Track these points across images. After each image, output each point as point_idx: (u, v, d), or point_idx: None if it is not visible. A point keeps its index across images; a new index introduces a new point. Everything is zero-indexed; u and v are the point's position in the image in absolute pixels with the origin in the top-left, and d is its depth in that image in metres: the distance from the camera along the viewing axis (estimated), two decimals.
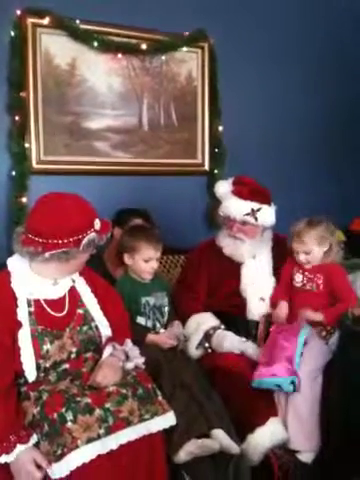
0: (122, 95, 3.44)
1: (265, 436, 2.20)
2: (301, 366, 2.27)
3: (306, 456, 2.26)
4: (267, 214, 2.59)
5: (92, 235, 1.91)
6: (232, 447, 2.03)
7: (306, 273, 2.50)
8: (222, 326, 2.56)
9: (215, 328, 2.54)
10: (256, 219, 2.56)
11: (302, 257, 2.46)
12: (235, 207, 2.57)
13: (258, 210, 2.55)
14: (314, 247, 2.44)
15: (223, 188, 2.68)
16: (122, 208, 2.95)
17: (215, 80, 3.65)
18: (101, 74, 3.37)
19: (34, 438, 1.77)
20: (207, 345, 2.52)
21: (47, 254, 1.86)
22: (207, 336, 2.53)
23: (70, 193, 1.96)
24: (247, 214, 2.55)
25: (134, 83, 3.47)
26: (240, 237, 2.61)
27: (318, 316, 2.42)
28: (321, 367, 2.35)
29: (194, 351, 2.51)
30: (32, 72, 3.17)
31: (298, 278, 2.51)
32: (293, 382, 2.24)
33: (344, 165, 4.18)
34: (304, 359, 2.30)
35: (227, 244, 2.67)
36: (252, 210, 2.55)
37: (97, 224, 1.93)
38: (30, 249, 1.86)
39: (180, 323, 2.53)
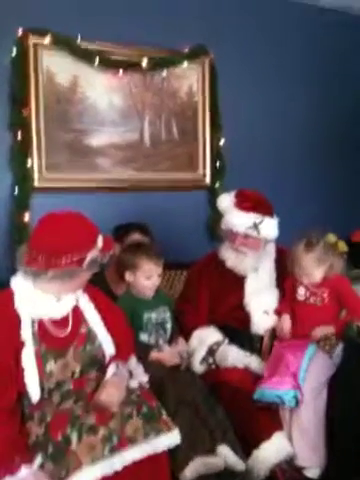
0: (123, 111, 3.47)
1: (271, 451, 2.19)
2: (305, 381, 2.27)
3: (312, 472, 2.25)
4: (269, 227, 2.60)
5: (95, 254, 1.91)
6: (237, 464, 2.02)
7: (309, 287, 2.49)
8: (226, 340, 2.55)
9: (219, 343, 2.53)
10: (258, 232, 2.56)
11: (305, 280, 2.45)
12: (237, 220, 2.57)
13: (260, 223, 2.55)
14: (313, 270, 2.43)
15: (225, 201, 2.68)
16: (119, 224, 2.94)
17: (216, 95, 3.68)
18: (102, 91, 3.40)
19: (39, 459, 1.76)
20: (211, 361, 2.51)
21: (50, 273, 1.86)
22: (211, 351, 2.52)
23: (73, 211, 1.97)
24: (249, 227, 2.55)
25: (135, 99, 3.50)
26: (243, 250, 2.61)
27: (330, 329, 2.39)
28: (325, 381, 2.35)
29: (198, 366, 2.49)
30: (34, 90, 3.19)
31: (301, 291, 2.50)
32: (295, 397, 2.23)
33: (346, 176, 4.19)
34: (308, 373, 2.29)
35: (229, 257, 2.66)
36: (254, 223, 2.55)
37: (100, 242, 1.94)
38: (33, 268, 1.87)
39: (184, 340, 2.52)
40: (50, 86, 3.25)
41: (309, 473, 2.25)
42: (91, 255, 1.90)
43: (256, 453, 2.18)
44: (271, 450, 2.20)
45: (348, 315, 2.44)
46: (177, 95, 3.63)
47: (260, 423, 2.25)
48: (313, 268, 2.42)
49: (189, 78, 3.64)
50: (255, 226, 2.55)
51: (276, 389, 2.24)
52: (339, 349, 2.44)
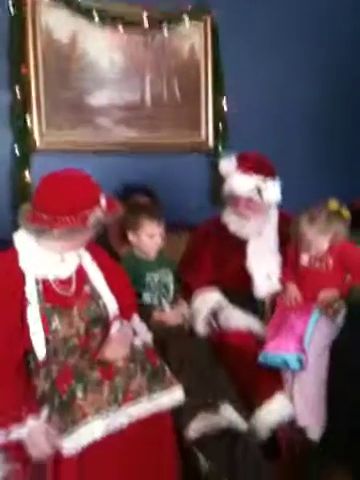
0: (124, 70, 3.40)
1: (272, 411, 2.22)
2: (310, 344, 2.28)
3: (312, 433, 2.28)
4: (272, 191, 2.57)
5: (99, 213, 1.90)
6: (240, 423, 2.04)
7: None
8: (228, 303, 2.55)
9: (221, 305, 2.54)
10: (262, 196, 2.54)
11: (313, 250, 2.43)
12: (240, 184, 2.54)
13: (263, 186, 2.53)
14: (318, 242, 2.41)
15: (227, 165, 2.65)
16: (128, 184, 2.92)
17: (218, 55, 3.60)
18: (103, 48, 3.32)
19: (45, 412, 1.78)
20: (213, 322, 2.52)
21: (55, 231, 1.85)
22: (213, 313, 2.52)
23: (76, 170, 1.95)
24: (252, 191, 2.53)
25: (136, 58, 3.42)
26: (246, 214, 2.59)
27: (334, 293, 2.39)
28: (328, 344, 2.36)
29: (200, 328, 2.50)
30: (32, 47, 3.13)
31: (305, 257, 2.48)
32: (300, 360, 2.24)
33: (349, 141, 4.14)
34: (312, 337, 2.30)
35: (233, 221, 2.65)
36: (257, 188, 2.52)
37: (103, 201, 1.92)
38: (37, 226, 1.86)
39: (185, 302, 2.52)
40: (49, 43, 3.18)
41: (310, 434, 2.27)
42: (95, 214, 1.89)
43: (258, 413, 2.21)
44: (273, 410, 2.22)
45: (352, 278, 2.43)
46: (179, 54, 3.54)
47: (262, 384, 2.27)
48: (318, 240, 2.40)
49: (191, 37, 3.55)
50: (258, 190, 2.52)
51: (281, 353, 2.25)
52: (342, 313, 2.45)
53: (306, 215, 2.41)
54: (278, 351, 2.26)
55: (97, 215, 1.89)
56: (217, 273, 2.67)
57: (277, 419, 2.21)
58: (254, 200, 2.55)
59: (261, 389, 2.26)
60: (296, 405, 2.27)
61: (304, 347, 2.25)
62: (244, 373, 2.27)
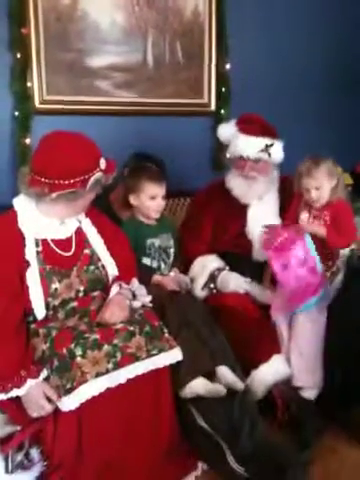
0: (126, 31, 3.34)
1: (268, 372, 2.25)
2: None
3: (309, 392, 2.32)
4: (278, 149, 2.56)
5: (98, 175, 1.90)
6: (236, 383, 2.07)
7: (313, 211, 2.47)
8: (227, 267, 2.57)
9: (220, 269, 2.56)
10: (269, 155, 2.53)
11: (313, 194, 2.41)
12: (247, 145, 2.52)
13: (271, 145, 2.52)
14: (324, 182, 2.40)
15: (228, 130, 2.63)
16: (138, 152, 2.89)
17: (222, 15, 3.51)
18: (104, 8, 3.26)
19: (44, 373, 1.81)
20: (212, 286, 2.54)
21: (54, 195, 1.86)
22: (212, 277, 2.54)
23: (74, 132, 1.93)
24: (261, 151, 2.51)
25: (138, 18, 3.35)
26: (253, 176, 2.57)
27: (321, 230, 2.39)
28: (325, 306, 2.38)
29: (200, 292, 2.53)
30: (33, 7, 3.08)
31: (304, 216, 2.47)
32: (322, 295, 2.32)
33: (351, 107, 4.08)
34: None
35: (238, 185, 2.62)
36: (266, 146, 2.51)
37: (103, 163, 1.92)
38: (36, 190, 1.86)
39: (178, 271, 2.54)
40: (49, 3, 3.12)
41: (306, 394, 2.32)
42: (94, 177, 1.89)
43: (254, 373, 2.24)
44: (269, 371, 2.26)
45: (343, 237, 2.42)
46: (182, 15, 3.46)
47: (259, 346, 2.30)
48: (324, 180, 2.39)
49: None
50: (266, 149, 2.51)
51: (308, 301, 2.31)
52: (340, 276, 2.47)
53: (313, 157, 2.42)
54: (304, 303, 2.31)
55: (96, 177, 1.89)
56: (217, 238, 2.68)
57: (273, 379, 2.25)
58: (261, 161, 2.54)
59: (258, 351, 2.29)
60: (293, 365, 2.31)
61: (319, 279, 2.30)
62: (241, 335, 2.30)
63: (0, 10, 3.02)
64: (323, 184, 2.40)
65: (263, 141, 2.52)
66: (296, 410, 2.31)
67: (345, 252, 2.47)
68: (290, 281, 2.35)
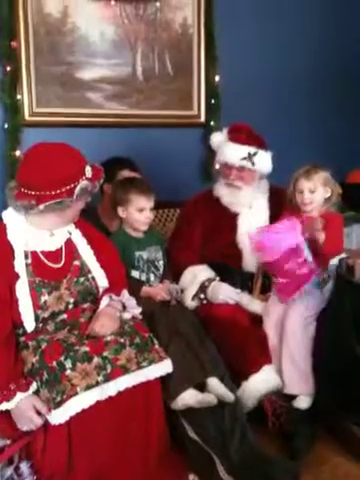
0: (115, 44, 3.37)
1: (259, 383, 2.25)
2: (295, 312, 2.33)
3: (302, 400, 2.31)
4: (264, 159, 2.58)
5: (84, 183, 1.90)
6: (227, 396, 2.07)
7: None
8: (217, 278, 2.57)
9: (210, 280, 2.55)
10: (253, 164, 2.55)
11: (307, 196, 2.41)
12: (232, 152, 2.55)
13: (254, 154, 2.54)
14: (320, 186, 2.41)
15: (219, 138, 2.67)
16: (105, 160, 2.90)
17: (211, 27, 3.55)
18: (93, 22, 3.30)
19: (34, 386, 1.81)
20: (202, 296, 2.54)
21: (41, 206, 1.86)
22: (202, 287, 2.54)
23: (58, 142, 1.94)
24: (244, 158, 2.54)
25: (127, 31, 3.39)
26: (237, 184, 2.59)
27: (321, 235, 2.36)
28: (315, 314, 2.39)
29: (190, 302, 2.53)
30: (23, 20, 3.11)
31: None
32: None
33: (342, 118, 4.11)
34: (299, 306, 2.34)
35: (225, 193, 2.66)
36: (249, 154, 2.54)
37: (88, 171, 1.93)
38: (24, 203, 1.86)
39: (168, 282, 2.53)
40: (39, 16, 3.16)
41: (300, 402, 2.31)
42: (80, 185, 1.89)
43: (245, 384, 2.24)
44: (260, 381, 2.26)
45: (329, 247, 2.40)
46: (171, 27, 3.50)
47: (249, 356, 2.30)
48: (319, 185, 2.40)
49: (184, 9, 3.51)
50: (249, 157, 2.53)
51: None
52: (329, 285, 2.47)
53: (310, 164, 2.45)
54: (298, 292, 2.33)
55: (82, 185, 1.89)
56: (207, 247, 2.68)
57: (264, 390, 2.25)
58: (246, 169, 2.56)
59: (249, 361, 2.29)
60: (285, 373, 2.30)
61: (311, 267, 2.31)
62: (232, 346, 2.30)
63: None
64: (318, 188, 2.41)
65: (247, 149, 2.54)
66: (287, 420, 2.32)
67: (333, 261, 2.47)
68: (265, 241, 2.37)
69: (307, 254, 2.31)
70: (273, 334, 2.39)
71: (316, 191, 2.42)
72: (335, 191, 2.46)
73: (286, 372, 2.30)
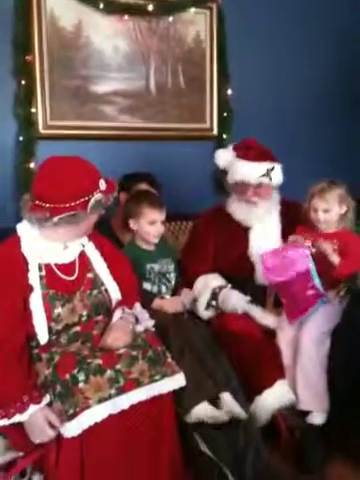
0: (129, 58, 3.40)
1: (272, 398, 2.23)
2: (310, 329, 2.31)
3: (317, 417, 2.29)
4: (278, 172, 2.59)
5: (98, 196, 1.91)
6: (239, 413, 2.05)
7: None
8: (229, 285, 2.56)
9: (222, 287, 2.54)
10: (271, 179, 2.55)
11: (321, 216, 2.40)
12: (249, 171, 2.54)
13: (272, 169, 2.54)
14: (335, 206, 2.40)
15: (226, 156, 2.67)
16: (127, 173, 2.94)
17: (223, 42, 3.58)
18: (107, 36, 3.32)
19: (47, 398, 1.80)
20: (214, 303, 2.52)
21: (55, 219, 1.87)
22: (214, 295, 2.53)
23: (72, 156, 1.96)
24: (263, 175, 2.53)
25: (141, 45, 3.42)
26: (254, 200, 2.59)
27: (336, 258, 2.34)
28: (329, 330, 2.36)
29: (203, 311, 2.52)
30: (37, 35, 3.14)
31: (309, 244, 2.45)
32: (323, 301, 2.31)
33: (354, 132, 4.11)
34: (314, 321, 2.32)
35: (239, 209, 2.65)
36: (267, 170, 2.53)
37: (102, 185, 1.94)
38: (38, 215, 1.87)
39: (188, 290, 2.54)
40: (54, 31, 3.19)
41: (314, 418, 2.29)
42: (94, 198, 1.90)
43: (258, 399, 2.23)
44: (273, 397, 2.24)
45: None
46: (184, 42, 3.53)
47: (263, 371, 2.29)
48: (335, 203, 2.39)
49: (196, 24, 3.54)
50: (267, 173, 2.53)
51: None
52: (345, 299, 2.45)
53: (328, 179, 2.43)
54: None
55: (96, 198, 1.90)
56: (220, 261, 2.68)
57: (277, 405, 2.23)
58: (263, 185, 2.56)
59: (262, 376, 2.27)
60: (299, 389, 2.28)
61: (318, 291, 2.29)
62: (245, 360, 2.29)
63: (5, 38, 3.06)
64: (333, 207, 2.40)
65: (265, 166, 2.54)
66: (300, 436, 2.30)
67: None
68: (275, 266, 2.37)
69: (316, 280, 2.29)
70: (287, 349, 2.38)
71: (330, 211, 2.40)
72: (351, 206, 2.44)
73: (300, 389, 2.28)
